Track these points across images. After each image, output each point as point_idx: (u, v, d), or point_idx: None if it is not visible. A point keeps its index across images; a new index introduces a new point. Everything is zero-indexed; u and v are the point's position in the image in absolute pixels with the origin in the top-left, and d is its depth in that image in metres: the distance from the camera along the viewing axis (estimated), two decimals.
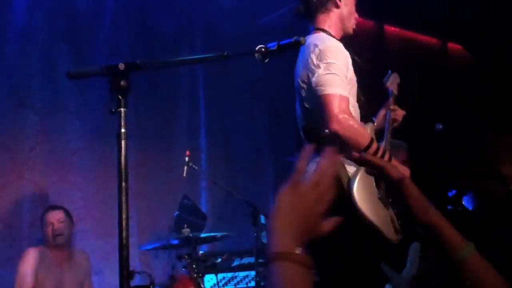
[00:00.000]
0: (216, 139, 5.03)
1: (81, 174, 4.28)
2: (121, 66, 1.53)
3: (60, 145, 4.25)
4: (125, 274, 1.50)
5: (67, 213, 3.77)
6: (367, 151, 2.20)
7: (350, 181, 2.20)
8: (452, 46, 6.57)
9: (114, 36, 4.58)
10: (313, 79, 2.27)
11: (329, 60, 2.26)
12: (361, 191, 2.18)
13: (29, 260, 3.56)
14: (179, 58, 1.74)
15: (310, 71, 2.29)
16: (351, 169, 2.25)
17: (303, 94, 2.39)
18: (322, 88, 2.23)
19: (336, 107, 2.19)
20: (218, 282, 3.94)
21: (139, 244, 4.15)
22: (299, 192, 0.94)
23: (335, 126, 2.17)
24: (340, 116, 2.18)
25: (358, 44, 5.53)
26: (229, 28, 5.04)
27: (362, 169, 2.18)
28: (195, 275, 3.45)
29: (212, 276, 3.93)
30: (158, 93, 4.70)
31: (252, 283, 4.05)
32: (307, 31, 2.54)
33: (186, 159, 3.77)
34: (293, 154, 5.46)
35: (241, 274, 4.12)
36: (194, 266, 3.48)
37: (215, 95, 5.02)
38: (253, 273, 4.00)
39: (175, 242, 3.62)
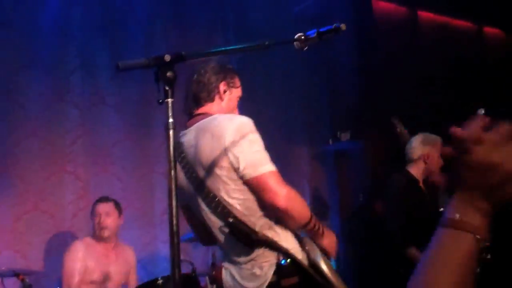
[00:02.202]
0: None
1: (121, 165, 4.35)
2: (167, 57, 1.56)
3: (100, 138, 4.32)
4: (176, 261, 1.54)
5: (117, 205, 3.75)
6: (309, 225, 2.11)
7: None
8: (489, 30, 6.43)
9: (149, 28, 4.64)
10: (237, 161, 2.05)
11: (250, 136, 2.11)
12: None
13: (76, 253, 3.60)
14: (222, 48, 1.77)
15: (230, 152, 2.05)
16: None
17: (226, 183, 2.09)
18: (254, 168, 2.06)
19: (278, 182, 2.05)
20: None
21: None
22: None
23: (284, 203, 2.01)
24: (287, 191, 2.03)
25: (391, 31, 5.50)
26: (261, 17, 5.03)
27: None
28: None
29: None
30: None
31: None
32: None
33: None
34: (328, 143, 5.45)
35: None
36: None
37: (247, 85, 5.03)
38: None
39: None
